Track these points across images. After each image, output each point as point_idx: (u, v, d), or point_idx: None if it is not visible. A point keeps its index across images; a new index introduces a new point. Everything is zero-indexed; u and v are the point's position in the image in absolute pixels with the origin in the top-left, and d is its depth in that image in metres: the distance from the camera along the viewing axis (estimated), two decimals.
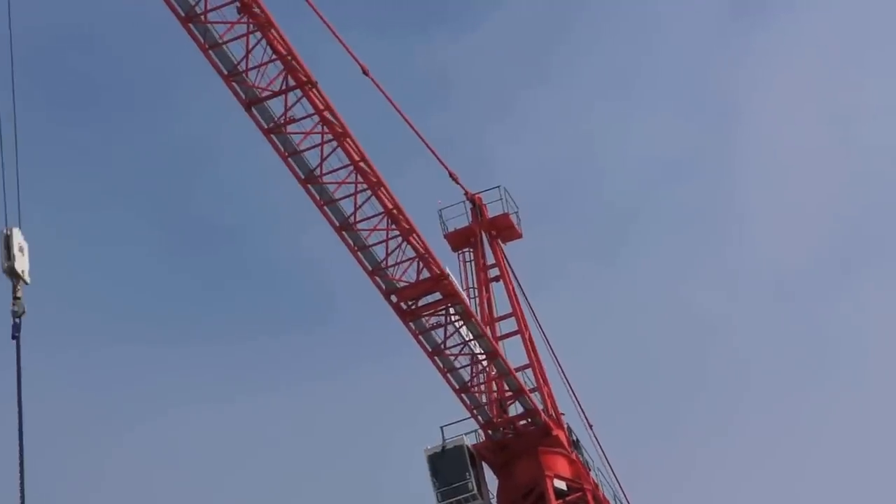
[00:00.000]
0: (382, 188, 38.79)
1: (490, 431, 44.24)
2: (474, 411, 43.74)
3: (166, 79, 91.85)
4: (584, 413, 48.02)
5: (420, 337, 41.88)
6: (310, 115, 37.64)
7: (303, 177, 38.28)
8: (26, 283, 27.65)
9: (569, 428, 45.59)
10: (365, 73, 40.99)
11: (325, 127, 37.74)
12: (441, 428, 44.65)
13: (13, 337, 27.47)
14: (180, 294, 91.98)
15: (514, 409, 44.53)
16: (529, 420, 44.23)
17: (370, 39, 78.25)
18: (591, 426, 48.27)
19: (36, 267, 27.25)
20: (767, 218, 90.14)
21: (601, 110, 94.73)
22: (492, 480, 44.85)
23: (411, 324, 41.52)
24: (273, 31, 35.84)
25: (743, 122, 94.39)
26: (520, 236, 48.16)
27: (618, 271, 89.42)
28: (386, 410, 77.30)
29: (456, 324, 42.37)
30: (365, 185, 38.77)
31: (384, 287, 40.71)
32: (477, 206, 47.66)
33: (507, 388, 43.86)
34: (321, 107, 37.48)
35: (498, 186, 47.82)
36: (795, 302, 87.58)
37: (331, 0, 40.40)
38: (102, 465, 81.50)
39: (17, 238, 27.53)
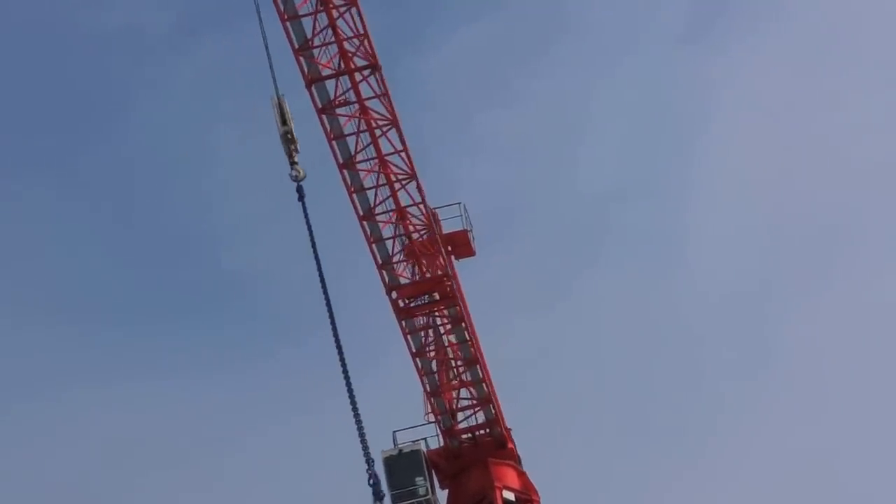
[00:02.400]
0: (415, 182, 39.46)
1: (449, 438, 44.95)
2: (439, 417, 44.44)
3: (137, 87, 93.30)
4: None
5: (409, 336, 42.49)
6: (352, 103, 38.15)
7: (342, 161, 38.62)
8: (297, 152, 28.65)
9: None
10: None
11: (362, 114, 38.28)
12: (393, 432, 45.20)
13: (299, 199, 28.96)
14: (147, 302, 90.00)
15: (475, 418, 45.39)
16: (488, 430, 45.19)
17: None
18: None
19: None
20: (718, 239, 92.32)
21: (559, 133, 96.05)
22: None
23: (403, 322, 42.11)
24: (351, 10, 36.30)
25: (696, 146, 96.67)
26: (473, 254, 49.12)
27: (567, 293, 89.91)
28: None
29: (441, 327, 43.27)
30: (391, 178, 39.41)
31: (388, 281, 41.22)
32: (435, 221, 48.39)
33: (475, 395, 44.62)
34: (364, 94, 38.01)
35: (458, 203, 48.64)
36: (744, 321, 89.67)
37: None
38: None
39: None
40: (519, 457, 46.61)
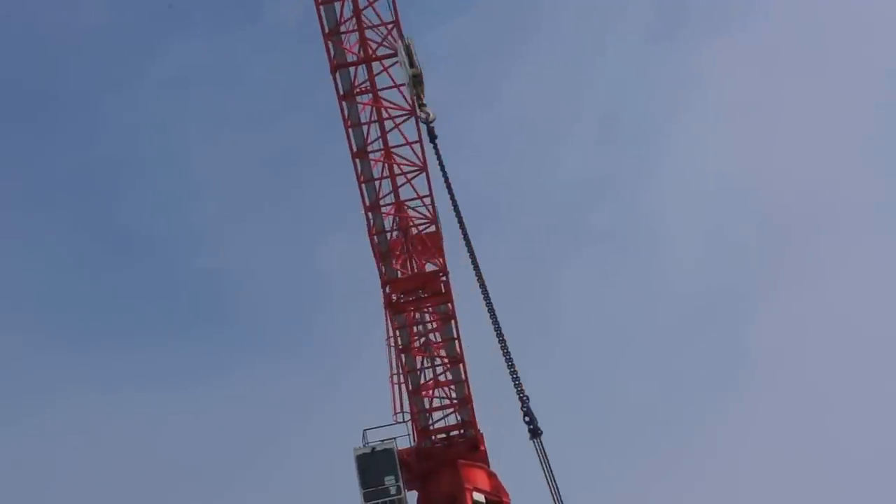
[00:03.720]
0: (425, 174, 39.46)
1: (423, 438, 44.85)
2: (417, 416, 44.32)
3: (97, 91, 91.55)
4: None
5: (397, 332, 42.37)
6: (366, 91, 38.11)
7: (355, 149, 38.52)
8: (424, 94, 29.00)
9: None
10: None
11: (375, 103, 38.25)
12: (364, 431, 44.89)
13: (431, 140, 29.25)
14: (97, 301, 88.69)
15: (450, 419, 45.37)
16: (462, 431, 45.22)
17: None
18: None
19: None
20: (684, 238, 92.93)
21: (533, 132, 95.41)
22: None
23: (394, 318, 42.00)
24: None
25: (663, 145, 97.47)
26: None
27: (540, 293, 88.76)
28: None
29: (429, 325, 43.26)
30: (393, 171, 39.42)
31: (384, 274, 41.12)
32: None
33: (454, 396, 44.63)
34: (378, 85, 38.03)
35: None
36: (711, 320, 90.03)
37: None
38: None
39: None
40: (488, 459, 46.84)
